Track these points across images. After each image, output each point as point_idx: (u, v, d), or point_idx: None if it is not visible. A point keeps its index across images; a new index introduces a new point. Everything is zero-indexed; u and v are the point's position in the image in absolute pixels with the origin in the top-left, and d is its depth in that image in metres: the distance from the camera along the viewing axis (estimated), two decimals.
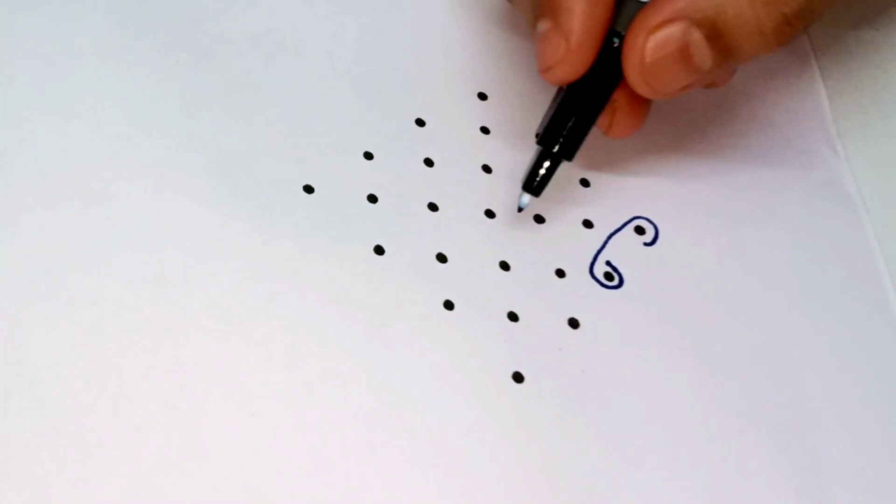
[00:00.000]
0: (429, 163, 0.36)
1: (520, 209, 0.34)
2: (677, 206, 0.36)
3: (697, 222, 0.37)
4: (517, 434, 0.31)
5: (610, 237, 0.36)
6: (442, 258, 0.34)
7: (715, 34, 0.30)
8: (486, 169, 0.37)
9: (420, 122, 0.37)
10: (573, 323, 0.34)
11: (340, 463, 0.30)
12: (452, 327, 0.33)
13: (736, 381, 0.33)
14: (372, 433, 0.31)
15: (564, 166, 0.34)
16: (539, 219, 0.36)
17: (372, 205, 0.35)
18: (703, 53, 0.30)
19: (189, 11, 0.38)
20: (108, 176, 0.34)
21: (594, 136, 0.36)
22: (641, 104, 0.34)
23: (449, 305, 0.33)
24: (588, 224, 0.36)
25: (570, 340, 0.33)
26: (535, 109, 0.38)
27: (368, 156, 0.36)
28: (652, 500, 0.31)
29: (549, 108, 0.34)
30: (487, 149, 0.37)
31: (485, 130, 0.38)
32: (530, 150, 0.34)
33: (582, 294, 0.34)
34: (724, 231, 0.36)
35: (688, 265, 0.36)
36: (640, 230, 0.36)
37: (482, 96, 0.39)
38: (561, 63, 0.32)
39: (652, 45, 0.30)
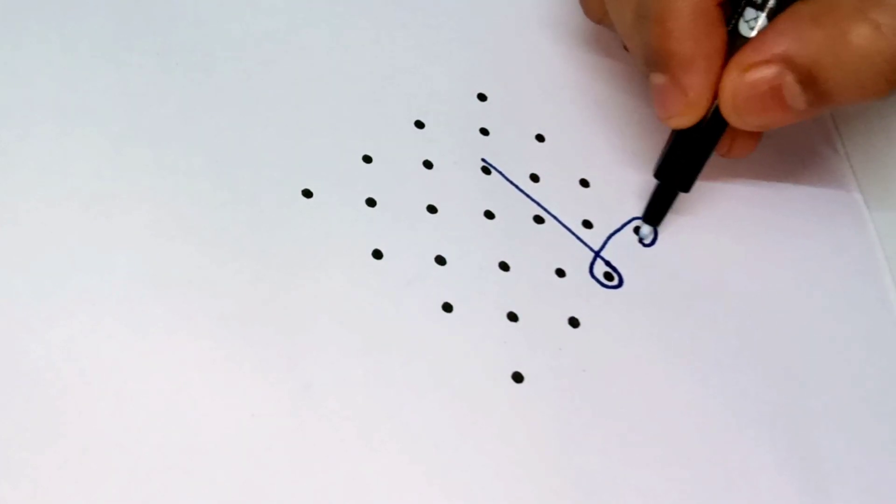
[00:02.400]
0: (428, 165, 0.37)
1: (641, 241, 0.36)
2: (677, 207, 0.36)
3: (697, 222, 0.37)
4: (517, 434, 0.31)
5: (610, 237, 0.36)
6: (441, 260, 0.34)
7: (810, 80, 0.30)
8: (486, 171, 0.37)
9: (419, 125, 0.37)
10: (573, 322, 0.34)
11: (340, 463, 0.30)
12: (452, 328, 0.33)
13: (736, 380, 0.33)
14: (372, 434, 0.30)
15: (564, 166, 0.34)
16: (538, 219, 0.36)
17: (371, 208, 0.35)
18: (796, 96, 0.31)
19: (189, 13, 0.38)
20: (108, 176, 0.34)
21: (595, 136, 0.36)
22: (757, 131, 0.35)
23: (448, 307, 0.33)
24: (588, 224, 0.36)
25: (571, 340, 0.33)
26: (534, 110, 0.38)
27: (367, 159, 0.36)
28: (652, 499, 0.31)
29: (667, 143, 0.35)
30: (487, 150, 0.37)
31: (484, 132, 0.38)
32: (530, 151, 0.35)
33: (582, 294, 0.34)
34: (724, 231, 0.37)
35: (687, 265, 0.36)
36: (639, 230, 0.36)
37: (482, 97, 0.39)
38: (681, 114, 0.33)
39: (744, 83, 0.31)
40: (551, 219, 0.36)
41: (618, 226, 0.36)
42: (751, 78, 0.31)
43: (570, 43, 0.41)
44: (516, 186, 0.36)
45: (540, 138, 0.38)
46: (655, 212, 0.36)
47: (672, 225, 0.36)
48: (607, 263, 0.35)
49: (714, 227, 0.37)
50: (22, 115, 0.34)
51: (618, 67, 0.40)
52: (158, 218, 0.33)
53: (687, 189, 0.35)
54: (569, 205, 0.36)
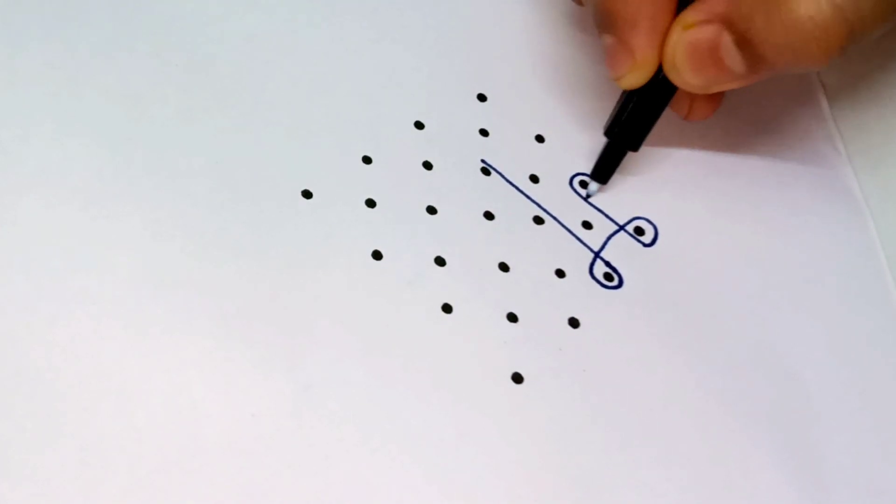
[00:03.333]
0: (427, 166, 0.37)
1: (588, 196, 0.36)
2: (677, 207, 0.37)
3: (697, 222, 0.37)
4: (517, 434, 0.31)
5: (610, 238, 0.36)
6: (441, 261, 0.34)
7: (745, 41, 0.30)
8: (486, 171, 0.37)
9: (419, 125, 0.37)
10: (573, 323, 0.34)
11: (340, 463, 0.30)
12: (452, 329, 0.33)
13: (736, 380, 0.33)
14: (371, 434, 0.31)
15: (563, 167, 0.34)
16: (538, 220, 0.36)
17: (370, 209, 0.35)
18: (733, 57, 0.31)
19: (189, 14, 0.38)
20: (107, 177, 0.34)
21: (594, 137, 0.36)
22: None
23: (448, 308, 0.33)
24: (587, 225, 0.36)
25: (571, 340, 0.33)
26: (534, 111, 0.38)
27: (367, 160, 0.36)
28: (652, 498, 0.31)
29: (618, 102, 0.35)
30: (487, 150, 0.37)
31: (484, 133, 0.38)
32: (529, 151, 0.35)
33: (582, 294, 0.34)
34: (724, 230, 0.37)
35: (688, 265, 0.36)
36: (639, 231, 0.36)
37: (481, 98, 0.39)
38: (629, 73, 0.33)
39: (683, 41, 0.31)
40: (551, 219, 0.36)
41: (617, 226, 0.36)
42: (691, 36, 0.31)
43: (572, 44, 0.41)
44: (516, 187, 0.36)
45: (539, 139, 0.38)
46: (604, 169, 0.36)
47: (672, 225, 0.36)
48: (607, 264, 0.35)
49: (714, 227, 0.37)
50: (21, 115, 0.34)
51: None
52: (158, 218, 0.33)
53: (636, 148, 0.35)
54: (568, 205, 0.36)
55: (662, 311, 0.34)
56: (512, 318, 0.33)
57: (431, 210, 0.35)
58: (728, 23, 0.30)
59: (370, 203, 0.35)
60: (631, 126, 0.35)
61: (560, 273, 0.35)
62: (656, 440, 0.32)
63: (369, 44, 0.39)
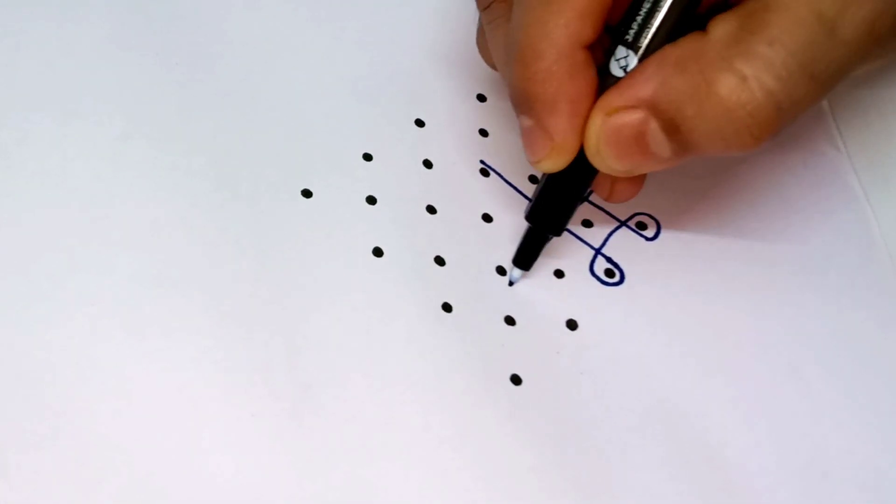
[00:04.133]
0: (428, 164, 0.37)
1: (511, 283, 0.35)
2: (679, 203, 0.36)
3: (699, 219, 0.37)
4: (516, 435, 0.31)
5: (612, 233, 0.36)
6: (440, 261, 0.34)
7: (673, 128, 0.29)
8: (485, 172, 0.37)
9: (419, 123, 0.37)
10: (571, 324, 0.34)
11: (340, 464, 0.30)
12: (451, 329, 0.33)
13: (736, 379, 0.33)
14: (371, 434, 0.31)
15: None
16: None
17: (371, 206, 0.35)
18: (660, 143, 0.29)
19: (188, 14, 0.38)
20: (107, 177, 0.34)
21: None
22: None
23: (447, 308, 0.33)
24: (588, 224, 0.36)
25: (569, 341, 0.33)
26: None
27: (368, 157, 0.36)
28: (651, 500, 0.31)
29: (538, 186, 0.33)
30: (486, 151, 0.37)
31: (483, 133, 0.38)
32: None
33: (581, 294, 0.34)
34: (725, 229, 0.36)
35: (689, 261, 0.36)
36: (641, 225, 0.36)
37: (481, 98, 0.39)
38: (548, 158, 0.31)
39: (608, 127, 0.30)
40: None
41: (619, 222, 0.36)
42: (615, 122, 0.29)
43: None
44: (514, 188, 0.36)
45: None
46: (526, 256, 0.34)
47: (674, 221, 0.36)
48: (608, 260, 0.35)
49: (715, 225, 0.36)
50: (22, 115, 0.35)
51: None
52: (158, 218, 0.33)
53: (558, 233, 0.34)
54: None
55: (663, 307, 0.34)
56: (510, 319, 0.33)
57: (431, 209, 0.35)
58: (654, 109, 0.29)
59: (371, 200, 0.35)
60: (553, 211, 0.33)
61: (559, 273, 0.35)
62: (655, 439, 0.32)
63: (369, 43, 0.39)
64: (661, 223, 0.36)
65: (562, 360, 0.33)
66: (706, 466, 0.32)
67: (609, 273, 0.35)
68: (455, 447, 0.31)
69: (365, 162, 0.36)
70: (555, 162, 0.31)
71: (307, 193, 0.35)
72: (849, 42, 0.28)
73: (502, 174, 0.37)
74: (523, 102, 0.30)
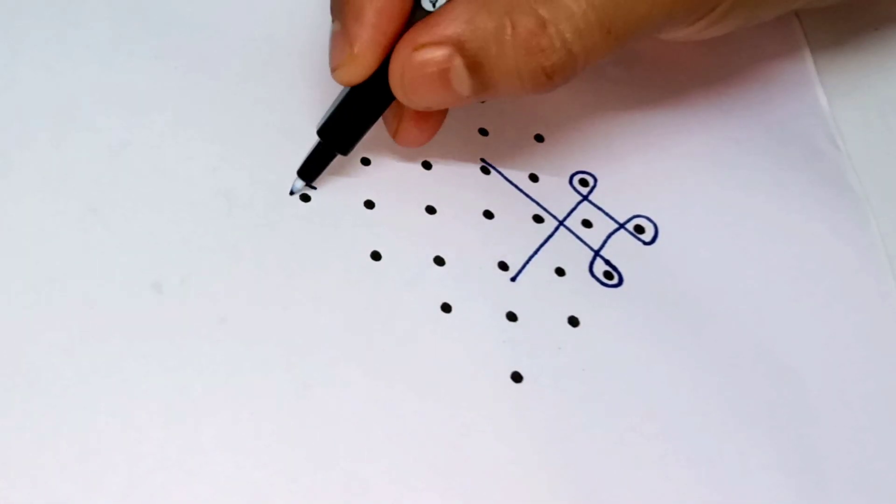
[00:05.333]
0: (426, 166, 0.37)
1: (291, 192, 0.35)
2: (677, 205, 0.36)
3: (698, 220, 0.37)
4: (517, 434, 0.31)
5: (610, 236, 0.36)
6: (440, 261, 0.34)
7: (476, 66, 0.30)
8: (485, 170, 0.37)
9: None
10: (573, 321, 0.34)
11: (340, 463, 0.30)
12: (451, 329, 0.33)
13: (736, 379, 0.33)
14: (371, 434, 0.31)
15: (563, 166, 0.34)
16: (538, 218, 0.36)
17: (369, 210, 0.35)
18: (462, 80, 0.31)
19: (188, 17, 0.39)
20: (106, 182, 0.34)
21: (594, 135, 0.36)
22: (429, 117, 0.34)
23: (447, 308, 0.33)
24: (587, 224, 0.36)
25: (570, 339, 0.33)
26: (534, 112, 0.38)
27: (366, 161, 0.36)
28: (652, 498, 0.31)
29: (334, 101, 0.34)
30: (486, 150, 0.37)
31: (483, 132, 0.38)
32: (530, 152, 0.34)
33: (581, 293, 0.34)
34: (724, 228, 0.36)
35: (688, 264, 0.36)
36: (639, 229, 0.36)
37: None
38: (345, 66, 0.32)
39: (414, 61, 0.31)
40: (550, 218, 0.36)
41: (617, 225, 0.36)
42: (420, 58, 0.30)
43: None
44: (516, 186, 0.36)
45: (539, 138, 0.38)
46: (311, 169, 0.35)
47: (672, 223, 0.36)
48: (607, 262, 0.35)
49: (714, 224, 0.37)
50: (20, 120, 0.35)
51: (617, 67, 0.40)
52: (156, 222, 0.33)
53: (345, 152, 0.34)
54: (568, 204, 0.36)
55: (662, 309, 0.34)
56: (511, 317, 0.33)
57: (431, 210, 0.35)
58: (460, 47, 0.30)
59: (369, 204, 0.35)
60: (344, 130, 0.34)
61: (560, 272, 0.35)
62: (656, 439, 0.32)
63: None
64: (659, 227, 0.36)
65: (563, 356, 0.33)
66: (705, 466, 0.31)
67: (608, 275, 0.35)
68: (455, 446, 0.31)
69: (363, 166, 0.36)
70: (349, 72, 0.32)
71: (305, 197, 0.35)
72: (651, 1, 0.30)
73: (503, 172, 0.37)
74: (336, 6, 0.32)
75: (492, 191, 0.36)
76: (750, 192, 0.37)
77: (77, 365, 0.30)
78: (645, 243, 0.36)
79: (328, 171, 0.35)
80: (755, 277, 0.36)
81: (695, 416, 0.32)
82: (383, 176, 0.36)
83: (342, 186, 0.35)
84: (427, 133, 0.35)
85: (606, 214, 0.36)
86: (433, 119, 0.35)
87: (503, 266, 0.35)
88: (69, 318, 0.31)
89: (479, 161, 0.37)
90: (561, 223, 0.36)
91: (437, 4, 0.31)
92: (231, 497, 0.29)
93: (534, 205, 0.36)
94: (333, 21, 0.32)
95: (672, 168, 0.38)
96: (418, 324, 0.33)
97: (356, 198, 0.35)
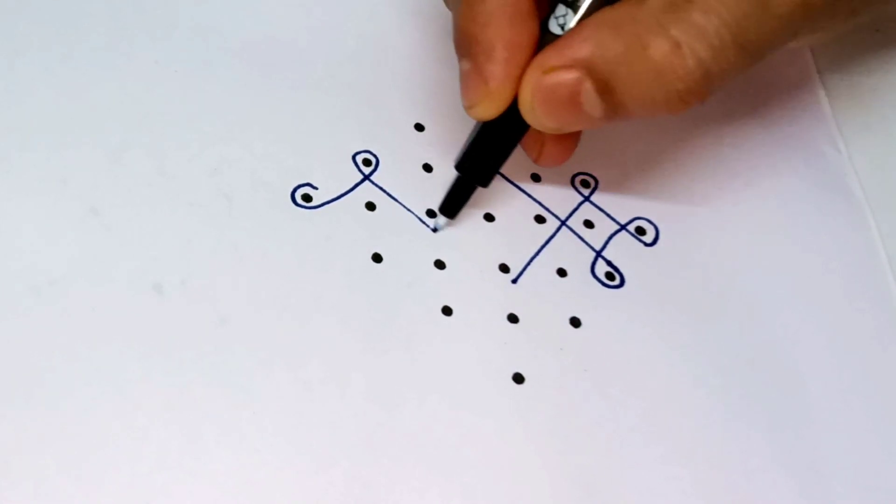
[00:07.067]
0: (427, 168, 0.37)
1: (434, 230, 0.35)
2: (678, 207, 0.36)
3: (698, 222, 0.37)
4: (518, 435, 0.31)
5: (611, 237, 0.36)
6: (440, 264, 0.34)
7: (607, 89, 0.30)
8: None
9: (419, 127, 0.37)
10: (575, 322, 0.34)
11: (340, 463, 0.30)
12: (452, 331, 0.33)
13: (737, 379, 0.33)
14: (372, 434, 0.31)
15: (565, 166, 0.34)
16: (540, 219, 0.36)
17: (370, 212, 0.35)
18: (593, 103, 0.30)
19: (188, 21, 0.39)
20: (107, 185, 0.34)
21: (594, 136, 0.36)
22: (569, 136, 0.34)
23: (447, 311, 0.33)
24: (589, 224, 0.36)
25: (572, 340, 0.33)
26: None
27: (367, 163, 0.36)
28: (653, 498, 0.31)
29: (470, 136, 0.34)
30: None
31: None
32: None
33: (583, 294, 0.34)
34: (724, 230, 0.36)
35: (689, 265, 0.36)
36: (640, 230, 0.36)
37: None
38: (481, 103, 0.32)
39: (544, 85, 0.30)
40: (552, 218, 0.36)
41: (618, 226, 0.36)
42: (550, 81, 0.30)
43: None
44: (517, 186, 0.36)
45: None
46: (452, 204, 0.34)
47: (673, 225, 0.36)
48: (609, 263, 0.35)
49: (715, 226, 0.37)
50: (21, 124, 0.35)
51: None
52: (157, 223, 0.33)
53: (485, 184, 0.34)
54: (570, 204, 0.36)
55: (664, 310, 0.34)
56: (512, 318, 0.33)
57: (431, 213, 0.35)
58: (590, 70, 0.29)
59: (370, 206, 0.35)
60: (482, 162, 0.33)
61: (561, 272, 0.35)
62: (657, 440, 0.32)
63: (369, 46, 0.39)
64: (660, 227, 0.36)
65: (565, 357, 0.33)
66: (707, 466, 0.31)
67: (609, 276, 0.35)
68: (457, 447, 0.31)
69: (365, 167, 0.36)
70: (487, 108, 0.32)
71: (307, 198, 0.35)
72: (781, 16, 0.29)
73: (504, 173, 0.37)
74: (464, 44, 0.31)
75: (494, 191, 0.36)
76: (750, 193, 0.37)
77: (78, 365, 0.30)
78: (646, 244, 0.36)
79: (329, 172, 0.35)
80: (755, 279, 0.36)
81: (695, 416, 0.32)
82: (385, 177, 0.36)
83: (344, 188, 0.35)
84: (569, 151, 0.35)
85: (608, 215, 0.36)
86: (572, 137, 0.34)
87: (504, 268, 0.35)
88: (70, 318, 0.31)
89: None
90: (563, 223, 0.36)
91: (566, 28, 0.30)
92: (232, 497, 0.29)
93: (536, 205, 0.36)
94: (461, 59, 0.32)
95: (673, 170, 0.38)
96: (419, 326, 0.33)
97: (357, 200, 0.35)
